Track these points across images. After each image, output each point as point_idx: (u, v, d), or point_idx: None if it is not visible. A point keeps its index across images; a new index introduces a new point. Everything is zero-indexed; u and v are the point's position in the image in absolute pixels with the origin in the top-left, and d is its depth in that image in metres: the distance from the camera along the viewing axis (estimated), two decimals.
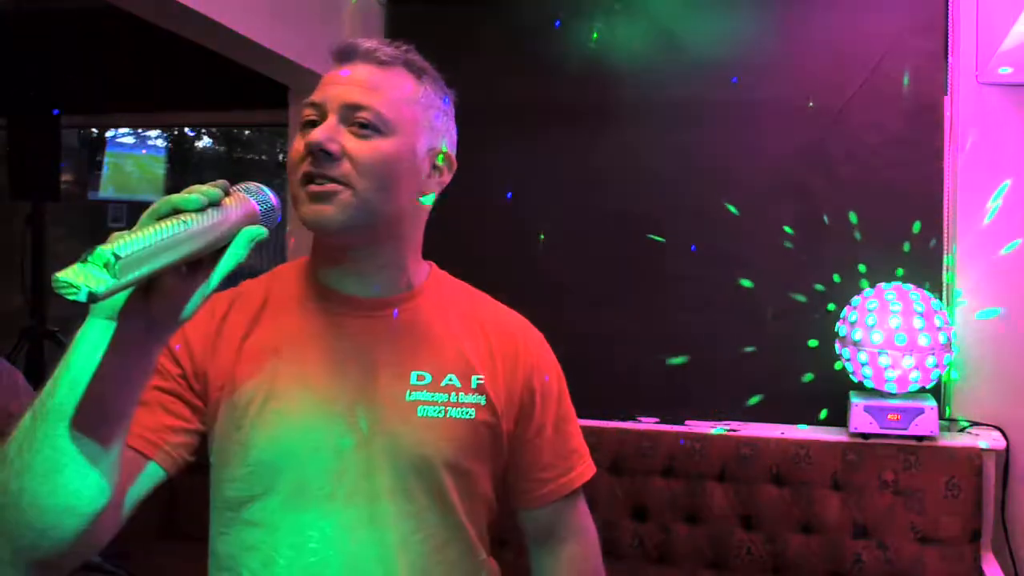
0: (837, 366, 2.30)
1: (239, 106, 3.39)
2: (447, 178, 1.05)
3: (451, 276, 1.13)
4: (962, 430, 2.23)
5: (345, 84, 0.96)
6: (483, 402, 1.01)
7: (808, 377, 2.38)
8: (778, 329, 2.40)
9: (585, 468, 1.13)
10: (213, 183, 0.79)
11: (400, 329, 1.01)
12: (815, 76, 2.39)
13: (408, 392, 0.98)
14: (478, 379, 1.02)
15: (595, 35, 2.53)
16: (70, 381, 0.79)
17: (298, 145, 0.96)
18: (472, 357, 1.03)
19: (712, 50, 2.46)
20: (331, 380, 0.97)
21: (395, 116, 0.96)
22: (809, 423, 2.33)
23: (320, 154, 0.92)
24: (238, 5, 2.12)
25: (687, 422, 2.35)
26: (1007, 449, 2.17)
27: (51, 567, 0.81)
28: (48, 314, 3.75)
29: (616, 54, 2.52)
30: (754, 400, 2.40)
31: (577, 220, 2.55)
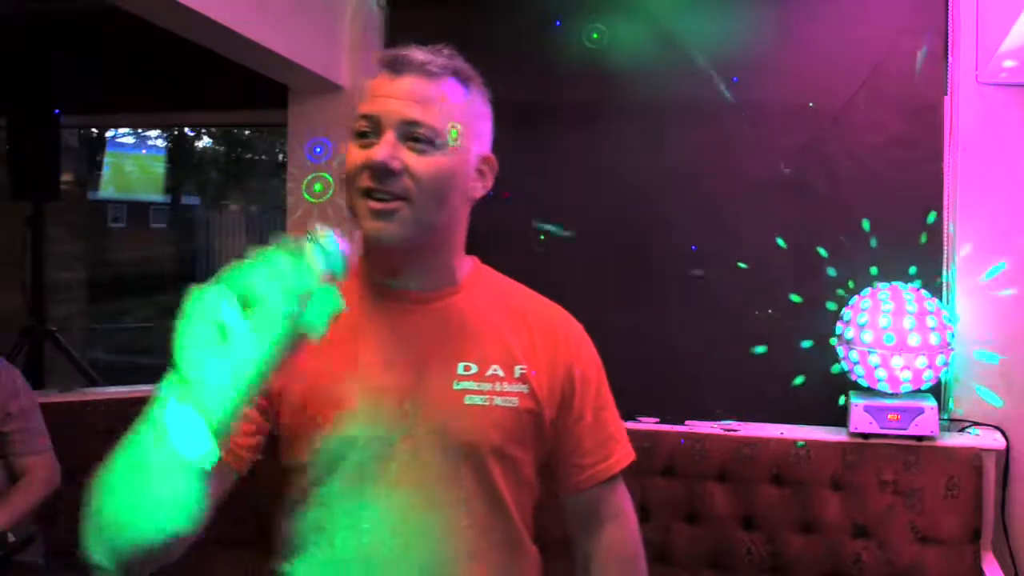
0: (835, 368, 2.29)
1: (239, 106, 3.39)
2: (491, 181, 1.10)
3: (493, 270, 1.17)
4: (962, 430, 2.23)
5: (400, 98, 0.98)
6: (526, 391, 1.06)
7: (803, 378, 2.38)
8: (778, 329, 2.40)
9: (623, 455, 1.17)
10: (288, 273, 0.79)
11: (446, 322, 1.06)
12: (815, 76, 2.39)
13: (455, 382, 1.03)
14: (521, 369, 1.06)
15: (595, 35, 2.53)
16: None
17: (356, 156, 0.99)
18: (515, 348, 1.07)
19: (712, 50, 2.46)
20: (383, 371, 1.03)
21: (447, 129, 1.00)
22: (809, 423, 2.32)
23: (383, 172, 0.96)
24: (238, 5, 2.12)
25: (687, 422, 2.35)
26: (1007, 449, 2.17)
27: (144, 568, 0.91)
28: (48, 314, 3.76)
29: (616, 54, 2.52)
30: (753, 400, 2.40)
31: (577, 220, 2.55)
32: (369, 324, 1.05)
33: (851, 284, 2.34)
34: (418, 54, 1.01)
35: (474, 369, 1.05)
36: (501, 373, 1.05)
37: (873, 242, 2.34)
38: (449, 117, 1.00)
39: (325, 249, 0.82)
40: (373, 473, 1.01)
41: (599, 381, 1.16)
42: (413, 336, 1.05)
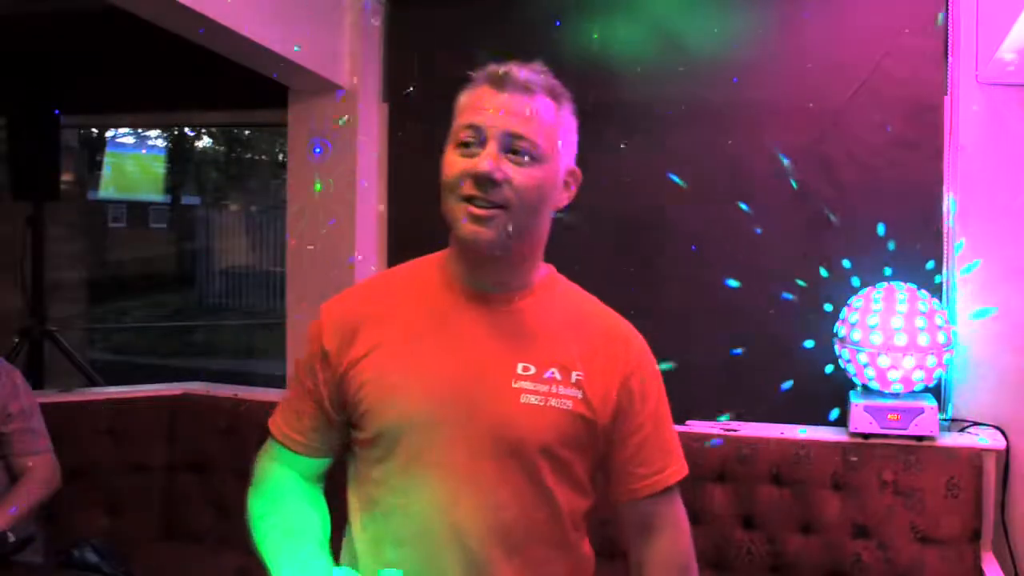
0: (834, 368, 2.29)
1: (239, 106, 3.39)
2: (575, 191, 1.17)
3: (566, 279, 1.24)
4: (962, 430, 2.23)
5: (504, 112, 1.06)
6: (580, 396, 1.11)
7: (803, 378, 2.37)
8: (778, 329, 2.40)
9: (678, 468, 1.20)
10: None
11: (512, 324, 1.13)
12: (815, 76, 2.39)
13: (513, 380, 1.09)
14: (577, 375, 1.11)
15: (595, 35, 2.53)
16: None
17: (458, 164, 1.06)
18: (574, 354, 1.12)
19: (712, 50, 2.46)
20: (447, 363, 1.10)
21: (545, 144, 1.08)
22: (809, 423, 2.32)
23: (487, 182, 1.03)
24: (238, 5, 2.12)
25: (687, 422, 2.35)
26: (1007, 449, 2.17)
27: None
28: (48, 314, 3.76)
29: (617, 54, 2.52)
30: (754, 401, 2.40)
31: (578, 219, 2.54)
32: (440, 319, 1.13)
33: (854, 282, 2.34)
34: (520, 72, 1.09)
35: (532, 370, 1.10)
36: (558, 376, 1.11)
37: (873, 242, 2.34)
38: (545, 132, 1.08)
39: None
40: (427, 458, 1.08)
41: (659, 394, 1.20)
42: (480, 334, 1.12)
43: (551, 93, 1.11)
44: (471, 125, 1.07)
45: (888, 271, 2.31)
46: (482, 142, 1.05)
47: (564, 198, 1.16)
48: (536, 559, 1.11)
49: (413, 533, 1.09)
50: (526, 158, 1.06)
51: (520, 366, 1.10)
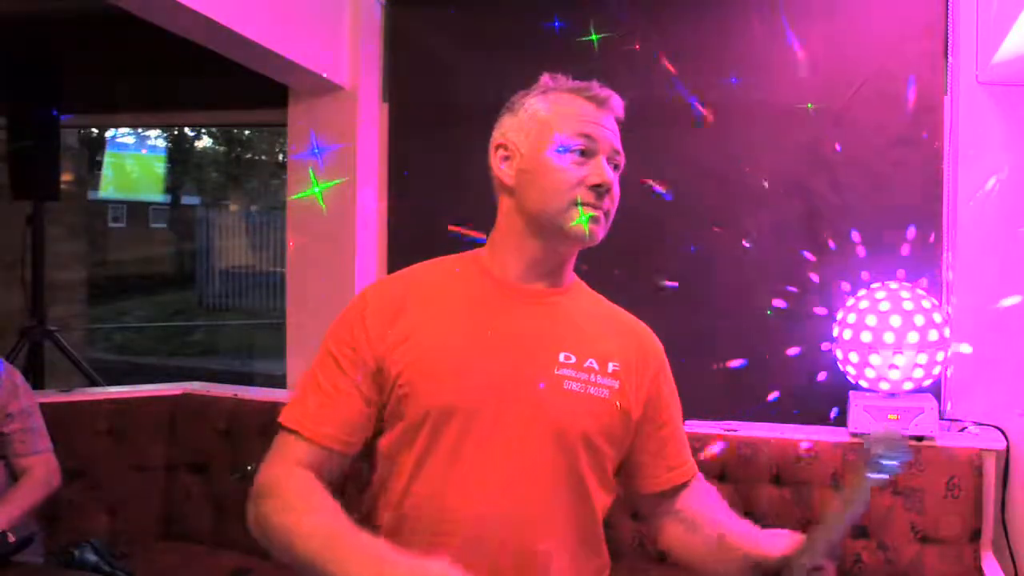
0: (834, 368, 2.29)
1: (239, 106, 3.39)
2: None
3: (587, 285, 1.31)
4: (962, 430, 2.23)
5: (611, 129, 1.18)
6: (616, 386, 1.16)
7: (803, 378, 2.38)
8: (777, 329, 2.40)
9: (693, 462, 1.30)
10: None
11: (552, 317, 1.18)
12: (815, 77, 2.39)
13: (556, 368, 1.14)
14: (613, 365, 1.17)
15: (595, 35, 2.53)
16: None
17: (572, 169, 1.14)
18: (609, 346, 1.19)
19: (712, 50, 2.46)
20: (487, 350, 1.13)
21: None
22: (809, 423, 2.32)
23: (605, 191, 1.14)
24: (238, 5, 2.12)
25: (687, 422, 2.34)
26: (1007, 449, 2.17)
27: None
28: (48, 314, 3.76)
29: (616, 54, 2.52)
30: (753, 400, 2.40)
31: None
32: (482, 307, 1.16)
33: (854, 283, 2.34)
34: (613, 96, 1.20)
35: (573, 359, 1.15)
36: (596, 366, 1.16)
37: (873, 242, 2.34)
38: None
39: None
40: (471, 444, 1.09)
41: (676, 396, 1.29)
42: (522, 323, 1.16)
43: (617, 113, 1.21)
44: (587, 135, 1.15)
45: (887, 271, 2.31)
46: (593, 153, 1.15)
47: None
48: (578, 554, 1.14)
49: (451, 518, 1.08)
50: (618, 171, 1.18)
51: (562, 355, 1.15)
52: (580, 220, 1.14)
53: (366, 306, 1.15)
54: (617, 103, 1.20)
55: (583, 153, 1.15)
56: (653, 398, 1.23)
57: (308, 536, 1.00)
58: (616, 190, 1.17)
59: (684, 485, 1.26)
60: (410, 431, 1.10)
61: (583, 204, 1.14)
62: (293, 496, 1.05)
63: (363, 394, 1.12)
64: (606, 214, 1.16)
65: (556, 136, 1.15)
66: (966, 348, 2.25)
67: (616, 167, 1.18)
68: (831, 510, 1.03)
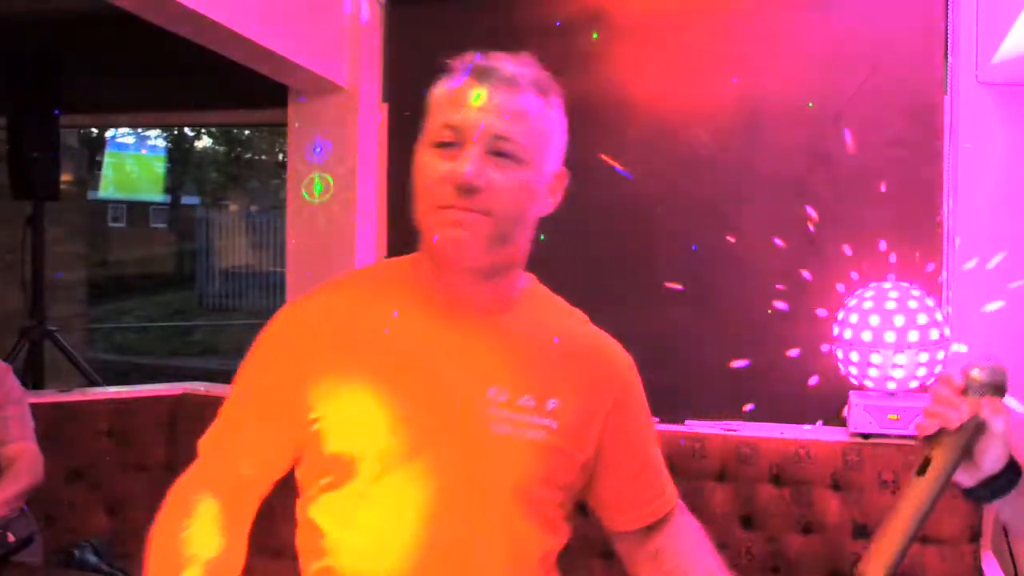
0: (833, 368, 2.29)
1: (239, 106, 3.39)
2: (560, 195, 1.05)
3: (548, 291, 1.11)
4: None
5: (488, 110, 0.94)
6: (555, 425, 0.99)
7: (802, 378, 2.38)
8: (777, 329, 2.40)
9: (672, 489, 1.12)
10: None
11: (485, 341, 1.00)
12: (815, 76, 2.39)
13: (484, 407, 0.97)
14: (554, 402, 1.00)
15: (595, 35, 2.53)
16: None
17: (437, 168, 0.94)
18: (553, 378, 1.01)
19: (712, 49, 2.46)
20: (408, 386, 0.97)
21: (531, 145, 0.96)
22: (809, 423, 2.33)
23: (468, 189, 0.92)
24: (238, 5, 2.12)
25: (687, 422, 2.35)
26: None
27: None
28: (48, 314, 3.76)
29: (616, 53, 2.52)
30: (753, 400, 2.40)
31: (578, 219, 2.55)
32: (407, 334, 0.99)
33: (853, 282, 2.34)
34: (506, 64, 0.97)
35: (504, 396, 0.98)
36: (532, 403, 0.99)
37: (872, 241, 2.34)
38: (531, 132, 0.96)
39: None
40: (383, 490, 0.95)
41: (648, 415, 1.12)
42: (449, 353, 0.99)
43: (539, 88, 0.98)
44: (450, 124, 0.94)
45: (887, 271, 2.31)
46: (463, 143, 0.93)
47: (550, 203, 1.04)
48: None
49: (368, 570, 0.95)
50: (510, 161, 0.94)
51: (492, 390, 0.97)
52: (440, 230, 0.94)
53: (279, 333, 1.04)
54: (508, 71, 0.96)
55: (449, 145, 0.94)
56: (613, 430, 1.04)
57: (150, 562, 0.96)
58: (506, 184, 0.93)
59: (661, 522, 1.09)
60: (320, 472, 0.98)
61: (444, 208, 0.93)
62: (170, 518, 1.00)
63: (272, 427, 1.01)
64: (487, 215, 0.93)
65: (426, 129, 0.98)
66: (965, 348, 2.25)
67: (503, 154, 0.94)
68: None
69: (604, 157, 2.50)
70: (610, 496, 1.07)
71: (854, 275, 2.35)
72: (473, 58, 0.98)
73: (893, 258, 2.32)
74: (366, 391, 0.96)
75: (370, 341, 0.99)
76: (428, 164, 0.95)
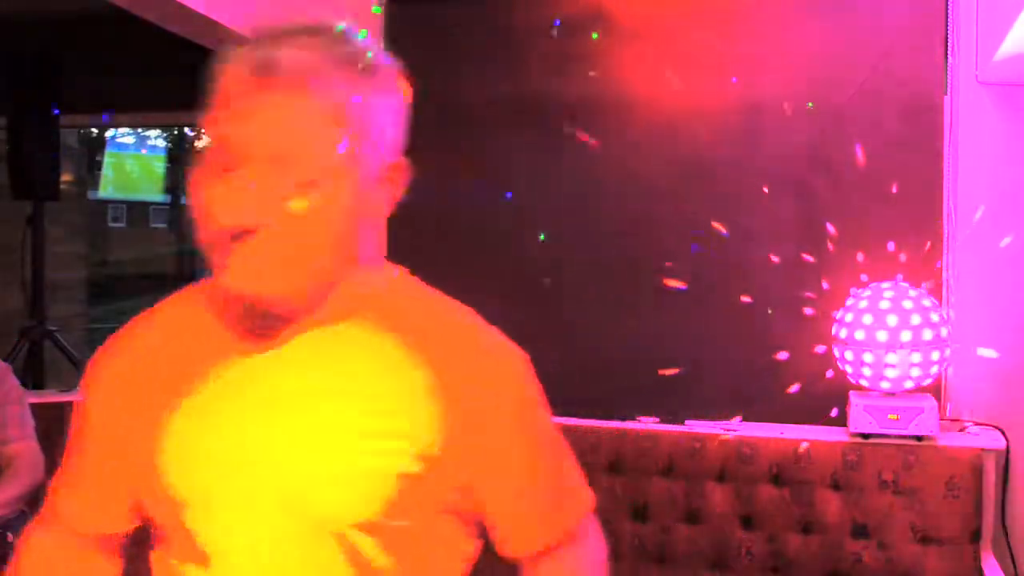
0: (833, 368, 2.29)
1: None
2: (401, 189, 0.90)
3: (414, 285, 0.92)
4: (962, 430, 2.23)
5: (272, 116, 0.77)
6: (412, 449, 0.81)
7: (803, 378, 2.38)
8: (777, 330, 2.40)
9: (577, 507, 0.95)
10: None
11: (319, 356, 0.83)
12: (815, 76, 2.39)
13: (318, 434, 0.80)
14: (409, 420, 0.81)
15: (595, 35, 2.53)
16: None
17: (207, 189, 0.78)
18: (407, 392, 0.82)
19: (712, 49, 2.46)
20: (232, 421, 0.83)
21: (334, 154, 0.80)
22: (809, 423, 2.32)
23: (242, 231, 0.77)
24: (238, 5, 2.12)
25: (687, 422, 2.35)
26: (1007, 449, 2.17)
27: None
28: (48, 314, 3.76)
29: (616, 53, 2.52)
30: (753, 400, 2.40)
31: (578, 219, 2.55)
32: (227, 364, 0.84)
33: (853, 282, 2.34)
34: (298, 51, 0.78)
35: (345, 417, 0.81)
36: (380, 425, 0.81)
37: (872, 241, 2.34)
38: (334, 136, 0.78)
39: None
40: (214, 543, 0.82)
41: (537, 426, 0.91)
42: (274, 372, 0.83)
43: (350, 66, 0.80)
44: (221, 139, 0.76)
45: (887, 271, 2.31)
46: (240, 161, 0.75)
47: (383, 200, 0.86)
48: None
49: None
50: (306, 181, 0.76)
51: (329, 413, 0.81)
52: (218, 266, 0.78)
53: (89, 387, 0.95)
54: (299, 59, 0.77)
55: (224, 160, 0.76)
56: (490, 448, 0.85)
57: None
58: (300, 207, 0.75)
59: (546, 553, 0.93)
60: (155, 518, 0.88)
61: (217, 242, 0.77)
62: (20, 555, 0.96)
63: (102, 474, 0.92)
64: (279, 244, 0.76)
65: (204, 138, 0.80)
66: (966, 348, 2.25)
67: (293, 173, 0.76)
68: None
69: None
70: (490, 520, 0.90)
71: (853, 275, 2.34)
72: (257, 39, 0.81)
73: (893, 258, 2.32)
74: (185, 434, 0.83)
75: (189, 375, 0.85)
76: (200, 185, 0.77)
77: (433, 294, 0.91)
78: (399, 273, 0.92)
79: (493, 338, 0.90)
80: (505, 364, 0.89)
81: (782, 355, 2.39)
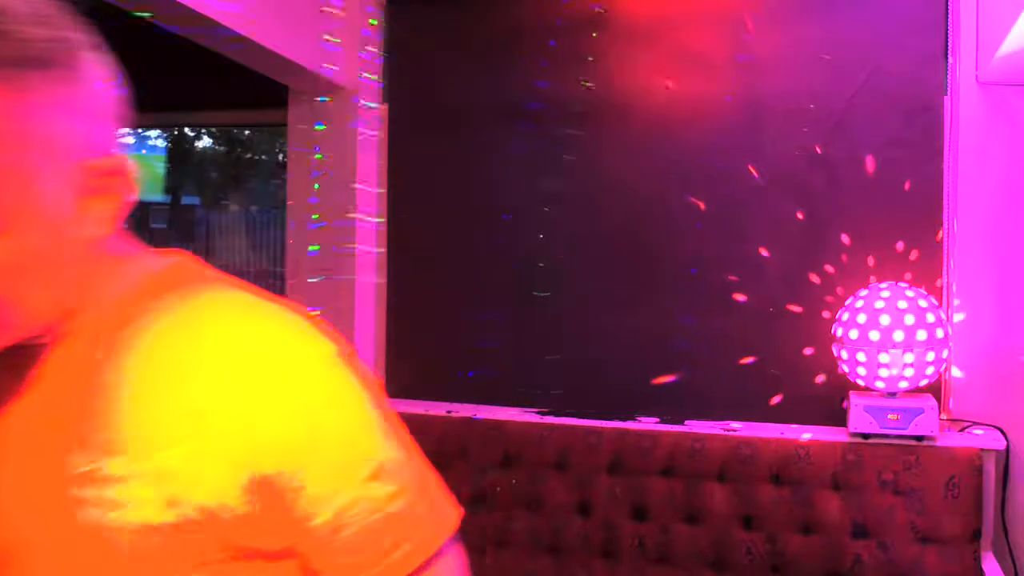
0: (834, 368, 2.30)
1: (239, 106, 3.39)
2: (125, 186, 0.72)
3: (201, 276, 0.77)
4: (962, 430, 2.23)
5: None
6: (176, 494, 0.65)
7: (803, 378, 2.38)
8: (778, 329, 2.40)
9: (425, 538, 0.72)
10: None
11: (46, 387, 0.68)
12: (815, 76, 2.39)
13: (59, 485, 0.65)
14: (166, 459, 0.65)
15: (594, 34, 2.53)
16: None
17: None
18: (161, 424, 0.66)
19: (712, 49, 2.46)
20: None
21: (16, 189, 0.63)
22: (809, 423, 2.33)
23: None
24: (238, 5, 2.12)
25: (687, 422, 2.35)
26: (1007, 449, 2.18)
27: None
28: None
29: (616, 53, 2.52)
30: (754, 400, 2.40)
31: (578, 219, 2.55)
32: None
33: (853, 283, 2.34)
34: None
35: (87, 464, 0.65)
36: (132, 469, 0.64)
37: (872, 241, 2.34)
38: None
39: None
40: None
41: (354, 443, 0.70)
42: (17, 417, 0.68)
43: (5, 67, 0.60)
44: None
45: (886, 271, 2.31)
46: None
47: (101, 209, 0.68)
48: None
49: None
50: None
51: (71, 460, 0.65)
52: None
53: None
54: None
55: None
56: (283, 480, 0.66)
57: None
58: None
59: None
60: None
61: None
62: None
63: None
64: None
65: None
66: (966, 348, 2.25)
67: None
68: None
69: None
70: (314, 564, 0.71)
71: (852, 275, 2.35)
72: None
73: (892, 259, 2.32)
74: None
75: None
76: None
77: (199, 286, 0.75)
78: (150, 271, 0.74)
79: (289, 341, 0.70)
80: (313, 367, 0.70)
81: (782, 355, 2.39)
